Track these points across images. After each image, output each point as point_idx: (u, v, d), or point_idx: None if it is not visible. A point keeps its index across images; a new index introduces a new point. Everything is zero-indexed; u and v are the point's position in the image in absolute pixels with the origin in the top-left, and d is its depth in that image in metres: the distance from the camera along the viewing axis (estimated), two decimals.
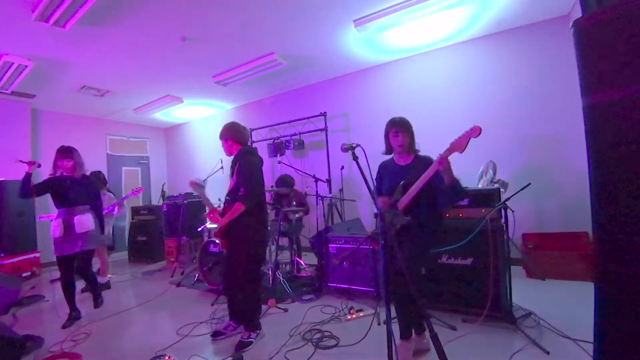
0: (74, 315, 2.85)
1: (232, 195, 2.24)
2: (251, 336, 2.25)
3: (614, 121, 1.09)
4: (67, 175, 2.80)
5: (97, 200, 2.96)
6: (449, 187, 1.72)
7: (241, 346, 2.17)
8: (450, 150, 1.66)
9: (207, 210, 2.44)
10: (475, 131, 1.60)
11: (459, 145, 1.64)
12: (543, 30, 3.59)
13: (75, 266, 2.86)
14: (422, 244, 1.85)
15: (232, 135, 2.35)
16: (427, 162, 1.86)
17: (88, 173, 3.08)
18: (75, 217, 2.75)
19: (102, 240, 2.96)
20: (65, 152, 2.80)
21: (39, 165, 2.81)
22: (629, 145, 1.06)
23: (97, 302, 3.16)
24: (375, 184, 2.09)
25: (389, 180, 1.98)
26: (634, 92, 1.04)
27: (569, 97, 3.28)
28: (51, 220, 4.22)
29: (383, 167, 2.09)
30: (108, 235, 3.12)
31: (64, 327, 2.71)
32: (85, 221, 2.78)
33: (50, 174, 2.84)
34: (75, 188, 2.80)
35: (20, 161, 2.79)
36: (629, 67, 1.05)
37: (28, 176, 2.71)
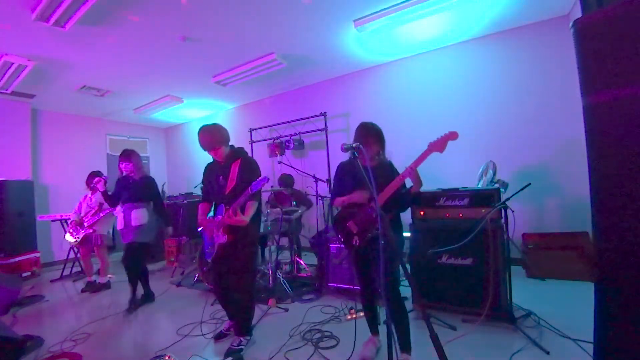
0: (147, 294, 3.26)
1: (237, 195, 2.09)
2: (242, 342, 2.17)
3: (614, 121, 1.09)
4: (129, 175, 3.14)
5: (157, 197, 3.26)
6: (411, 194, 1.84)
7: (230, 353, 2.08)
8: (429, 151, 1.76)
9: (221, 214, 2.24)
10: (453, 135, 1.75)
11: (437, 146, 1.76)
12: (543, 30, 3.59)
13: (127, 257, 3.08)
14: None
15: (227, 138, 2.25)
16: (390, 166, 1.96)
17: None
18: (133, 212, 3.05)
19: (166, 233, 3.40)
20: (125, 156, 3.13)
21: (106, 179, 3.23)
22: (628, 145, 1.06)
23: (136, 301, 3.11)
24: (334, 185, 2.09)
25: (354, 180, 1.90)
26: (634, 92, 1.04)
27: (569, 97, 3.28)
28: (67, 219, 4.41)
29: (344, 167, 2.05)
30: (168, 230, 3.45)
31: (129, 310, 2.98)
32: (139, 216, 3.05)
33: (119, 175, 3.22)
34: (135, 187, 3.10)
35: (98, 186, 3.18)
36: (628, 67, 1.05)
37: (105, 193, 3.16)
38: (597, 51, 1.12)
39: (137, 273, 3.09)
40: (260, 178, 1.99)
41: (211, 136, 2.17)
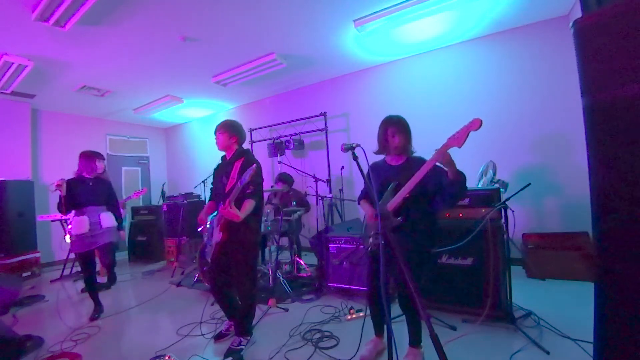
0: (100, 309, 3.00)
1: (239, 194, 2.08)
2: (242, 343, 2.18)
3: (614, 121, 1.09)
4: (89, 177, 2.97)
5: (115, 200, 3.18)
6: (453, 182, 1.63)
7: (230, 353, 2.09)
8: (447, 145, 1.57)
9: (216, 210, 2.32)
10: (475, 124, 1.51)
11: (457, 139, 1.55)
12: (543, 30, 3.59)
13: (103, 260, 3.10)
14: (414, 245, 1.77)
15: (238, 133, 2.32)
16: (420, 163, 1.76)
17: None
18: (101, 214, 2.95)
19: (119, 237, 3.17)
20: (100, 156, 3.05)
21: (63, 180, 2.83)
22: (629, 145, 1.06)
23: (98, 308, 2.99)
24: (365, 185, 2.04)
25: (378, 181, 1.89)
26: (634, 92, 1.04)
27: (569, 97, 3.28)
28: (66, 219, 4.23)
29: (374, 167, 1.98)
30: (120, 234, 3.23)
31: (92, 319, 2.86)
32: (110, 217, 3.01)
33: (86, 175, 2.96)
34: (100, 188, 3.02)
35: (57, 189, 2.76)
36: (628, 67, 1.05)
37: (64, 198, 2.76)
38: (597, 51, 1.12)
39: (114, 278, 3.16)
40: (247, 170, 1.95)
41: (223, 122, 2.32)
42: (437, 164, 1.63)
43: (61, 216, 4.55)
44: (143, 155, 7.40)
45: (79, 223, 2.81)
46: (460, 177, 1.64)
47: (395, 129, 1.88)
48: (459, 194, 1.71)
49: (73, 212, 2.88)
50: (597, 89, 1.13)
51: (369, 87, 4.86)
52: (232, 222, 2.09)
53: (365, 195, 2.06)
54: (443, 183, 1.68)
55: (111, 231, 2.99)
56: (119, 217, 3.14)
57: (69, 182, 2.83)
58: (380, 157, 2.05)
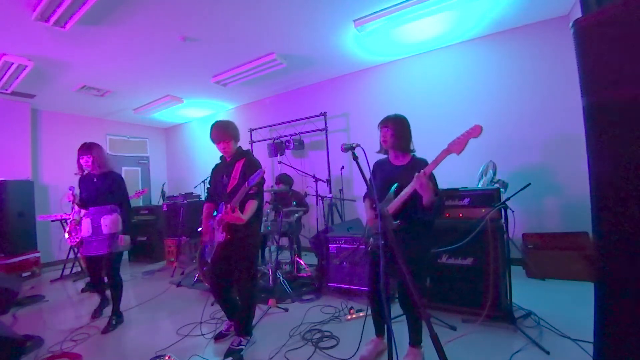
0: (106, 302, 2.98)
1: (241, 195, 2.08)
2: (242, 343, 2.18)
3: (614, 121, 1.09)
4: (93, 174, 2.70)
5: (124, 199, 2.79)
6: (425, 211, 1.71)
7: (230, 353, 2.09)
8: (447, 151, 1.60)
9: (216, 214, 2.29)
10: (476, 131, 1.53)
11: (457, 145, 1.57)
12: (543, 30, 3.59)
13: (104, 270, 2.77)
14: (415, 246, 1.79)
15: (238, 135, 2.33)
16: (422, 165, 1.77)
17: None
18: (102, 218, 2.65)
19: (125, 241, 2.73)
20: (83, 149, 2.66)
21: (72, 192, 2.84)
22: (628, 145, 1.06)
23: (111, 323, 2.66)
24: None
25: (381, 179, 1.92)
26: (634, 92, 1.04)
27: (569, 97, 3.28)
28: (66, 219, 4.22)
29: (378, 165, 2.03)
30: (126, 238, 2.79)
31: (95, 313, 2.89)
32: (112, 222, 2.66)
33: (77, 174, 2.80)
34: (101, 186, 2.68)
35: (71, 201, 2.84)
36: (628, 68, 1.05)
37: (78, 204, 2.78)
38: (597, 51, 1.12)
39: (118, 286, 2.74)
40: (257, 172, 1.96)
41: (224, 129, 2.23)
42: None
43: (61, 216, 4.57)
44: (143, 155, 7.40)
45: (84, 226, 2.67)
46: (433, 205, 1.68)
47: (383, 125, 1.91)
48: (432, 217, 1.84)
49: (83, 211, 2.77)
50: (597, 89, 1.13)
51: (369, 87, 4.86)
52: (234, 222, 2.09)
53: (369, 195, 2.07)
54: (418, 206, 1.72)
55: (113, 239, 2.65)
56: (125, 218, 2.74)
57: (79, 180, 2.78)
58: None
